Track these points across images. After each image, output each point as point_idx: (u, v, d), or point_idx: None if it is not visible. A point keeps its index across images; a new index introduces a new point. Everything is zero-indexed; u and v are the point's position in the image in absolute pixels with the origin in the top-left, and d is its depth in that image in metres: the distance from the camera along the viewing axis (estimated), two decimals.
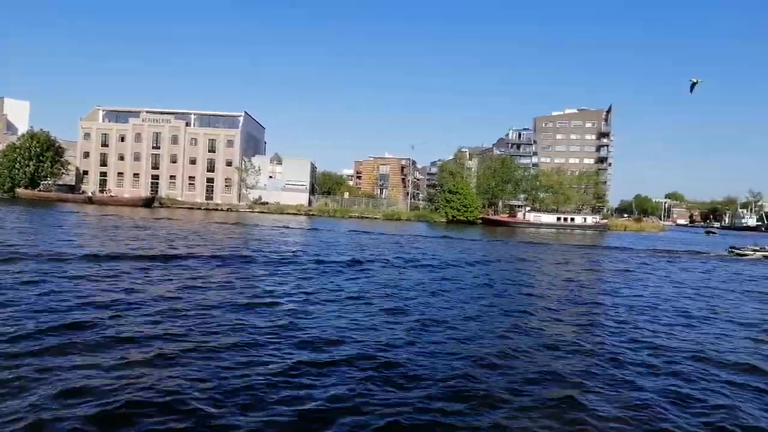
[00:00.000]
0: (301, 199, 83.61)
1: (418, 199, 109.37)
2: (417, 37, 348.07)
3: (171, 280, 15.10)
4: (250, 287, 14.87)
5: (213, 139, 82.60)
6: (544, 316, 13.21)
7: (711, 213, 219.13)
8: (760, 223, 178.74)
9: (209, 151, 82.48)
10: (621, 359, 9.53)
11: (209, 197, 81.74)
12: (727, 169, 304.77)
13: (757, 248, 41.53)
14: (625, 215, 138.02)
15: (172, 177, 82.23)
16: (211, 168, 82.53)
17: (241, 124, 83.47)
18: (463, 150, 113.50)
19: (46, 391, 6.46)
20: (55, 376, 6.94)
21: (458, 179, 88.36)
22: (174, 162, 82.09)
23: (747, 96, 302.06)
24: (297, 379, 7.60)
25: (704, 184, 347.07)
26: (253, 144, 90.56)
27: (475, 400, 7.18)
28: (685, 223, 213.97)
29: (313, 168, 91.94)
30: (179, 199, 79.52)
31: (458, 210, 79.92)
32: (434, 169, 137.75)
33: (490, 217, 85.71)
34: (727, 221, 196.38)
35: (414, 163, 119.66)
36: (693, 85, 32.19)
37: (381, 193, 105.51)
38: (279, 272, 18.20)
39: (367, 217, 77.94)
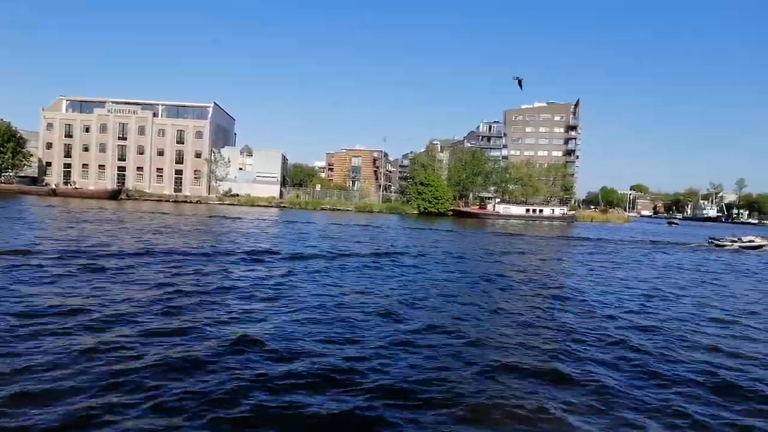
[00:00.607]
0: (272, 191, 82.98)
1: (390, 191, 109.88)
2: (389, 29, 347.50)
3: (117, 282, 13.61)
4: (207, 284, 14.10)
5: (181, 130, 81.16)
6: (520, 305, 13.62)
7: (674, 204, 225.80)
8: (720, 214, 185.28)
9: (178, 143, 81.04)
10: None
11: (178, 189, 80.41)
12: (690, 162, 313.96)
13: (735, 239, 43.41)
14: (592, 207, 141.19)
15: (140, 169, 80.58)
16: (179, 159, 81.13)
17: (210, 115, 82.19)
18: (435, 142, 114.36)
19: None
20: None
21: (430, 171, 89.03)
22: (141, 153, 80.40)
23: (709, 91, 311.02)
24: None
25: (668, 177, 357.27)
26: (223, 135, 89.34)
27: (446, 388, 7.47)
28: (649, 214, 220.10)
29: (285, 160, 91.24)
30: (147, 191, 78.03)
31: (430, 202, 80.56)
32: (406, 162, 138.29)
33: (461, 209, 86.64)
34: (689, 212, 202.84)
35: (386, 155, 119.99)
36: (519, 81, 33.89)
37: (353, 185, 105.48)
38: (240, 267, 17.52)
39: (339, 210, 77.90)
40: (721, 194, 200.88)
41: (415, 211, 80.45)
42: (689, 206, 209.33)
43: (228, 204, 73.63)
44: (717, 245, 42.70)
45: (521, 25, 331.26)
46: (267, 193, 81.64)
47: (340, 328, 10.38)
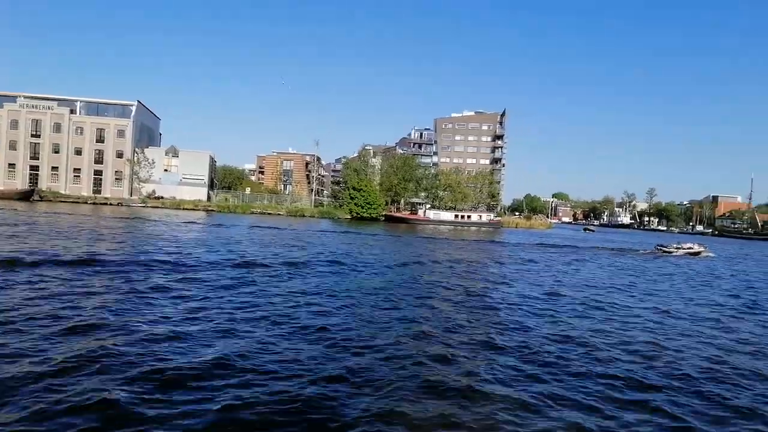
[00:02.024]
0: (200, 193, 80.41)
1: (323, 196, 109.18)
2: (322, 32, 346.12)
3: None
4: (106, 301, 12.03)
5: (102, 129, 77.02)
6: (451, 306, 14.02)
7: (591, 211, 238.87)
8: (633, 221, 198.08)
9: (97, 142, 76.82)
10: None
11: (97, 191, 76.17)
12: (606, 171, 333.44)
13: (680, 246, 47.30)
14: (517, 213, 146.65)
15: (55, 168, 75.67)
16: (99, 159, 76.91)
17: (133, 114, 78.56)
18: (368, 148, 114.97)
19: None
20: None
21: (362, 176, 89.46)
22: (56, 152, 75.54)
23: (623, 105, 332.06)
24: None
25: (586, 185, 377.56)
26: (147, 135, 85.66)
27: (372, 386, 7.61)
28: (569, 220, 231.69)
29: (213, 162, 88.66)
30: (63, 192, 73.41)
31: (362, 207, 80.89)
32: (339, 166, 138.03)
33: (393, 214, 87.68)
34: (605, 219, 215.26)
35: (319, 159, 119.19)
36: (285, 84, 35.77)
37: (284, 188, 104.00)
38: (151, 278, 15.63)
39: (269, 213, 76.68)
40: (634, 203, 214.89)
41: (348, 216, 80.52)
42: (605, 213, 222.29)
43: (151, 207, 70.58)
44: (664, 251, 46.33)
45: (456, 33, 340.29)
46: (194, 195, 79.03)
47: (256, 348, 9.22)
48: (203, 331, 9.97)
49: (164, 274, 16.46)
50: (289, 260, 22.18)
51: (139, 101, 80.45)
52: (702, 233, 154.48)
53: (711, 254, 46.91)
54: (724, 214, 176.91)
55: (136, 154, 77.71)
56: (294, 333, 10.36)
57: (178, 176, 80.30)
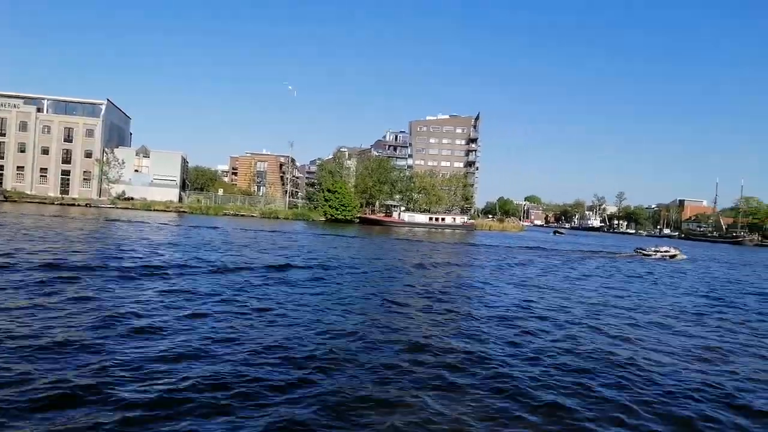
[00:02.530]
0: (171, 195, 79.18)
1: (297, 198, 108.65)
2: (297, 34, 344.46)
3: None
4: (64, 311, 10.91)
5: (70, 128, 75.21)
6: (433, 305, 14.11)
7: (563, 214, 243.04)
8: (602, 224, 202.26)
9: (65, 141, 75.02)
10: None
11: (65, 191, 74.36)
12: (578, 174, 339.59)
13: (657, 250, 49.15)
14: (490, 216, 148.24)
15: (20, 168, 73.61)
16: (67, 159, 75.11)
17: (103, 113, 76.94)
18: (343, 150, 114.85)
19: None
20: None
21: (337, 178, 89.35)
22: (22, 151, 73.51)
23: (600, 106, 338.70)
24: None
25: (558, 188, 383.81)
26: (118, 135, 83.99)
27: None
28: (541, 223, 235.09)
29: (185, 162, 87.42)
30: (28, 192, 71.48)
31: (337, 209, 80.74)
32: (314, 168, 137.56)
33: (368, 216, 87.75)
34: (576, 222, 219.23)
35: (293, 160, 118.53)
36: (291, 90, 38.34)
37: (258, 190, 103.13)
38: (114, 285, 14.41)
39: (243, 215, 75.99)
40: (603, 206, 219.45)
41: (322, 218, 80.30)
42: (576, 217, 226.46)
43: (121, 208, 69.22)
44: (643, 254, 48.25)
45: (431, 37, 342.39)
46: (165, 196, 77.78)
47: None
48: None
49: (131, 280, 15.49)
50: (260, 264, 21.97)
51: (108, 100, 78.88)
52: (669, 236, 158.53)
53: (685, 257, 48.80)
54: (690, 217, 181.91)
55: (105, 154, 76.12)
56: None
57: (149, 177, 78.95)
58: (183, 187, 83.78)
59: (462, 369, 9.01)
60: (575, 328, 13.27)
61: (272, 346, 9.49)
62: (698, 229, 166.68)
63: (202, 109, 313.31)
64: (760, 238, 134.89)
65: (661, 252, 48.25)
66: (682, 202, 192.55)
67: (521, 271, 27.88)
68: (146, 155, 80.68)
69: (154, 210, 70.47)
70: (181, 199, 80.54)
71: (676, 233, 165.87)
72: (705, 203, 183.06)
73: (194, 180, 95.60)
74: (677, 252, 48.66)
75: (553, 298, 18.21)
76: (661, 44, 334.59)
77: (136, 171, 78.83)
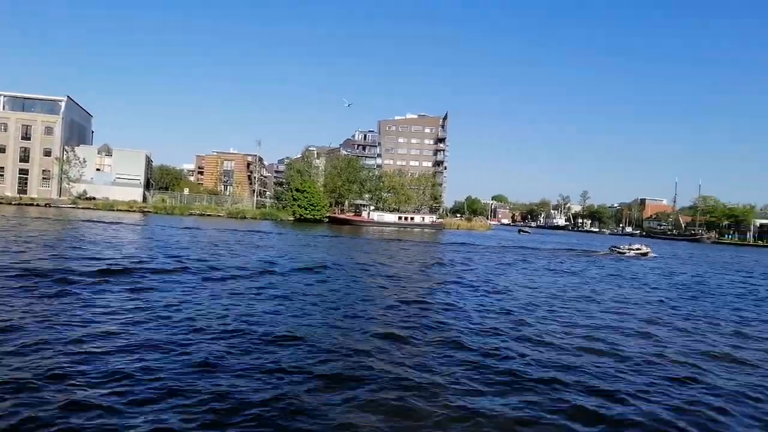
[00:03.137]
0: (135, 194, 77.29)
1: (265, 197, 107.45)
2: (265, 32, 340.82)
3: None
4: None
5: (28, 126, 72.65)
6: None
7: (529, 213, 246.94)
8: (567, 223, 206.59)
9: (23, 139, 72.46)
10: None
11: (23, 191, 71.79)
12: (545, 174, 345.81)
13: (631, 248, 51.30)
14: (458, 215, 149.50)
15: None
16: (25, 158, 72.53)
17: (63, 110, 74.56)
18: (311, 149, 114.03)
19: None
20: None
21: (306, 178, 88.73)
22: None
23: (566, 106, 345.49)
24: None
25: (525, 188, 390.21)
26: (78, 133, 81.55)
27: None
28: (508, 222, 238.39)
29: (149, 161, 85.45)
30: None
31: (306, 208, 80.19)
32: (282, 167, 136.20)
33: (337, 215, 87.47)
34: (542, 221, 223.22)
35: (261, 159, 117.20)
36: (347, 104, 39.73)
37: (225, 189, 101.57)
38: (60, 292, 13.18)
39: (209, 215, 74.77)
40: (568, 205, 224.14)
41: (291, 218, 79.66)
42: (542, 215, 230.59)
43: (82, 208, 67.22)
44: (618, 252, 50.32)
45: (400, 36, 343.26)
46: (128, 196, 75.86)
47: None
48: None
49: (90, 285, 14.52)
50: (227, 265, 21.68)
51: (69, 97, 76.52)
52: (631, 234, 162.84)
53: (655, 255, 51.10)
54: (651, 216, 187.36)
55: (65, 153, 73.82)
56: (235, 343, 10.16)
57: (111, 176, 76.94)
58: (147, 186, 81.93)
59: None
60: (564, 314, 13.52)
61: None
62: (659, 227, 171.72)
63: (166, 107, 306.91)
64: (717, 236, 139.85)
65: (634, 250, 50.41)
66: (643, 201, 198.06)
67: (519, 274, 28.22)
68: (108, 154, 78.61)
69: (117, 210, 68.68)
70: (145, 198, 78.72)
71: (638, 231, 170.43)
72: (665, 202, 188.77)
73: (159, 179, 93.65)
74: (648, 250, 51.03)
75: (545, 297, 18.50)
76: (629, 44, 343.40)
77: (98, 170, 76.74)
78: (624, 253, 49.78)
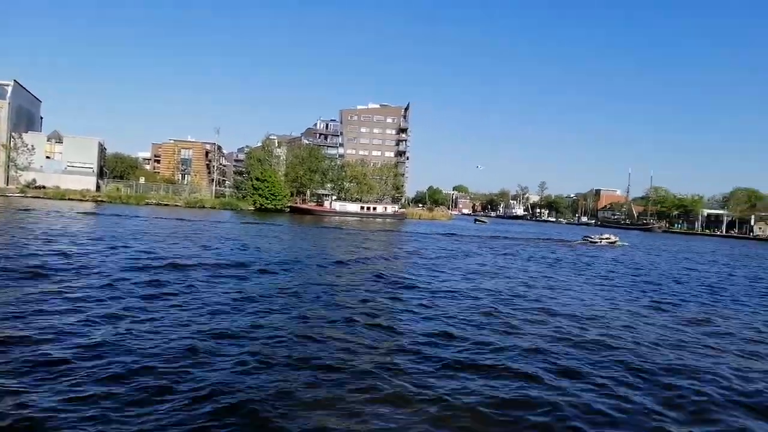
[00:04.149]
0: (87, 183, 74.71)
1: (225, 186, 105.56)
2: (223, 17, 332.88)
3: None
4: None
5: None
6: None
7: (489, 203, 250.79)
8: (526, 213, 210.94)
9: None
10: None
11: None
12: (505, 164, 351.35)
13: (602, 237, 54.60)
14: (420, 205, 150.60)
15: None
16: None
17: (9, 95, 71.18)
18: (272, 137, 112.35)
19: None
20: None
21: (266, 167, 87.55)
22: None
23: (525, 96, 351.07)
24: None
25: (485, 178, 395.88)
26: (27, 119, 78.06)
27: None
28: (469, 212, 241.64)
29: (102, 149, 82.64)
30: None
31: (266, 198, 79.21)
32: (242, 156, 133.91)
33: (299, 205, 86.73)
34: (501, 211, 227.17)
35: (220, 148, 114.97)
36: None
37: (183, 178, 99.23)
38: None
39: (166, 204, 72.97)
40: (527, 195, 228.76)
41: (251, 208, 78.56)
42: (502, 205, 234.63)
43: (31, 197, 64.52)
44: (591, 242, 53.44)
45: (362, 24, 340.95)
46: (80, 185, 73.29)
47: None
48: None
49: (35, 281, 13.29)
50: (185, 257, 21.25)
51: (16, 81, 73.11)
52: (586, 224, 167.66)
53: (624, 243, 55.00)
54: (606, 206, 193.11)
55: (12, 139, 70.66)
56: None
57: (62, 164, 74.12)
58: (101, 175, 79.32)
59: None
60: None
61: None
62: (613, 216, 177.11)
63: (121, 93, 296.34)
64: (667, 225, 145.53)
65: (605, 239, 53.89)
66: (598, 191, 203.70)
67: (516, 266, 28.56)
68: (59, 141, 75.67)
69: (69, 199, 66.23)
70: (98, 187, 76.21)
71: (593, 221, 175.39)
72: (619, 192, 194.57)
73: (113, 168, 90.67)
74: (616, 239, 54.84)
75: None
76: (588, 34, 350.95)
77: (48, 158, 73.83)
78: (596, 242, 53.04)
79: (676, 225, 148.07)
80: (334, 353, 8.96)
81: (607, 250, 45.46)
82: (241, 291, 14.01)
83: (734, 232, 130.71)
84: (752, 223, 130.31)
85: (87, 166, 75.66)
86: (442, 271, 21.84)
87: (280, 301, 13.10)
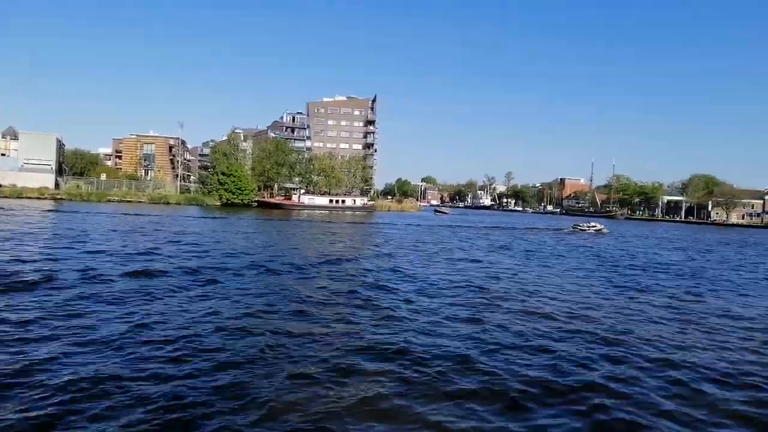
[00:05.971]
0: (46, 181, 72.29)
1: (190, 182, 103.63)
2: (185, 6, 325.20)
3: None
4: None
5: None
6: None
7: (457, 194, 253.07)
8: (493, 203, 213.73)
9: None
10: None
11: None
12: (472, 155, 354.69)
13: (590, 226, 57.59)
14: (389, 197, 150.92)
15: None
16: None
17: None
18: (237, 131, 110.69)
19: None
20: None
21: (232, 161, 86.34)
22: None
23: (490, 88, 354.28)
24: None
25: (453, 169, 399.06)
26: None
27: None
28: (437, 203, 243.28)
29: (61, 145, 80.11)
30: None
31: (233, 193, 78.16)
32: (207, 150, 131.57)
33: (266, 199, 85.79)
34: (469, 201, 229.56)
35: (184, 142, 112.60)
36: None
37: (146, 174, 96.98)
38: None
39: (129, 201, 71.22)
40: (494, 185, 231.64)
41: (218, 203, 77.40)
42: (469, 196, 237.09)
43: None
44: (580, 230, 56.48)
45: (327, 14, 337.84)
46: (38, 183, 70.89)
47: None
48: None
49: None
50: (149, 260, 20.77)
51: None
52: (552, 212, 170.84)
53: (608, 231, 58.57)
54: (570, 194, 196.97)
55: None
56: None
57: (18, 161, 71.56)
58: (60, 172, 76.89)
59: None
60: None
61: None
62: (577, 205, 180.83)
63: (79, 87, 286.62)
64: (629, 212, 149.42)
65: (592, 227, 57.09)
66: (563, 180, 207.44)
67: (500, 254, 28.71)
68: (14, 137, 73.12)
69: (26, 197, 64.05)
70: (57, 185, 73.82)
71: (558, 210, 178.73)
72: (582, 181, 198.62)
73: (72, 164, 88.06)
74: (602, 227, 58.09)
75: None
76: (552, 22, 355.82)
77: (3, 155, 71.27)
78: (585, 230, 56.14)
79: (637, 212, 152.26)
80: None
81: (599, 237, 49.21)
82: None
83: (692, 218, 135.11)
84: (710, 208, 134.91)
85: (45, 163, 73.23)
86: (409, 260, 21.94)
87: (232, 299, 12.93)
